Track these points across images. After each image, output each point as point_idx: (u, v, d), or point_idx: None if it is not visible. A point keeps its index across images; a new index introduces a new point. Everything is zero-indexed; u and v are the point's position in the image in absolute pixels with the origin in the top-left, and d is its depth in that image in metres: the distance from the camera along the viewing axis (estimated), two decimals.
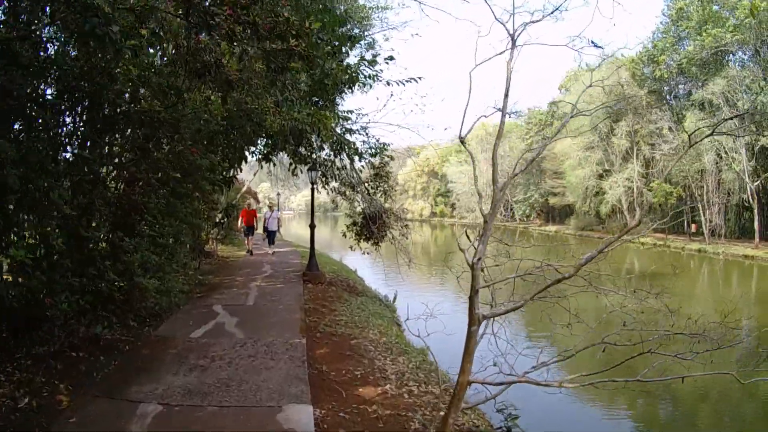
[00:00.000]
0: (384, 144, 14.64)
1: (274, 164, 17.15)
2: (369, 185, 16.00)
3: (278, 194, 44.73)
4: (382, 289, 19.73)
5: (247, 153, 15.17)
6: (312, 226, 16.44)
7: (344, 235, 16.79)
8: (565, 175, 58.74)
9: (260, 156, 15.92)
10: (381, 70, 12.47)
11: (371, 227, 15.25)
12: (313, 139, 12.95)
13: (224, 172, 14.74)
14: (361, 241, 16.23)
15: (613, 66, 54.20)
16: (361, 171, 15.69)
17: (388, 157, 15.30)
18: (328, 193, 16.41)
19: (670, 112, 47.20)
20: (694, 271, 35.01)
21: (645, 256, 42.55)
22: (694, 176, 44.85)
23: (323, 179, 15.34)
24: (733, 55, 46.09)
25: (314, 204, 16.76)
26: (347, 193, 16.40)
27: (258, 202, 51.33)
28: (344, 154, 14.30)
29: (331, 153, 14.49)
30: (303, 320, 10.70)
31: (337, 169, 15.04)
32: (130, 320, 9.17)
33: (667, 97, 52.61)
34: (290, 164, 15.23)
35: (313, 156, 14.32)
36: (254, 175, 31.05)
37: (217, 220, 18.26)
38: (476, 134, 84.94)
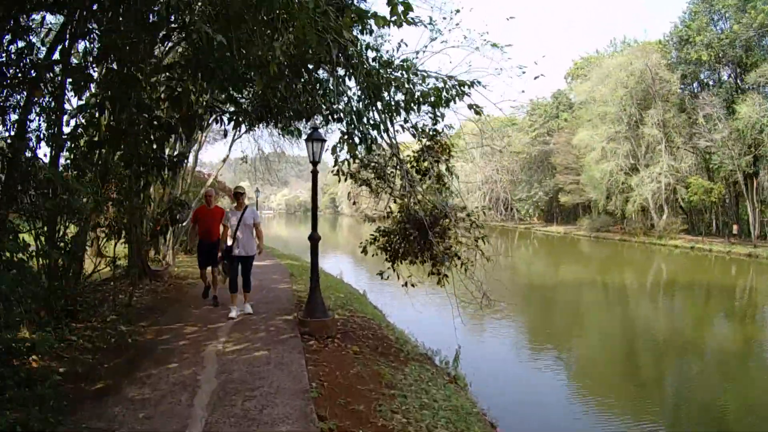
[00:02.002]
0: (469, 82, 7.55)
1: (251, 128, 10.36)
2: (413, 165, 9.18)
3: (257, 191, 37.68)
4: (412, 325, 13.39)
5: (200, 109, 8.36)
6: (314, 239, 9.57)
7: (364, 251, 9.89)
8: (586, 170, 52.52)
9: (228, 117, 9.07)
10: None
11: (426, 239, 8.49)
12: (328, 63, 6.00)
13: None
14: (399, 262, 9.47)
15: (633, 51, 49.06)
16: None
17: (475, 109, 7.72)
18: (342, 178, 9.46)
19: (718, 98, 41.17)
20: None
21: (687, 262, 36.73)
22: (745, 169, 39.04)
23: (348, 142, 7.20)
24: None
25: (315, 201, 9.94)
26: (373, 183, 9.58)
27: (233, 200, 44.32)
28: (382, 103, 7.27)
29: (360, 100, 7.30)
30: None
31: (371, 124, 7.56)
32: None
33: (694, 84, 47.29)
34: (281, 118, 8.04)
35: (331, 101, 7.02)
36: (223, 161, 24.05)
37: (158, 227, 11.45)
38: (471, 127, 78.71)
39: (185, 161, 14.25)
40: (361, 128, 6.89)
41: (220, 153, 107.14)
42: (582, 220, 61.34)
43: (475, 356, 12.18)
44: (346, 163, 7.40)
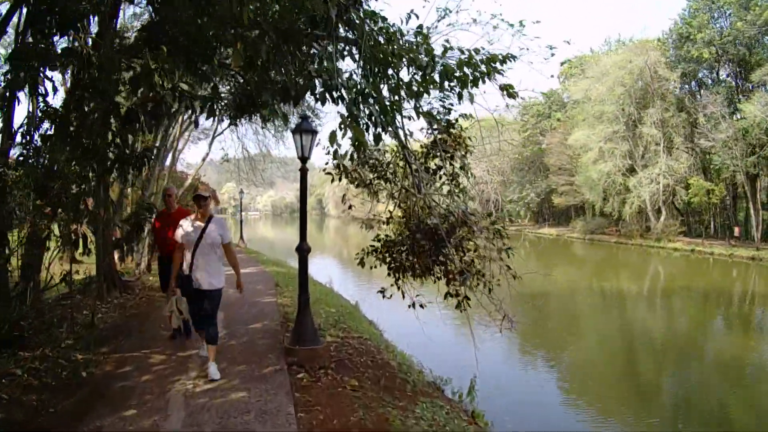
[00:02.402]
0: (501, 56, 5.98)
1: (233, 122, 8.93)
2: (422, 163, 7.68)
3: (241, 192, 35.99)
4: (411, 339, 11.78)
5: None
6: (303, 251, 8.09)
7: (361, 263, 8.36)
8: (582, 171, 51.21)
9: (200, 104, 7.53)
10: None
11: (440, 251, 7.05)
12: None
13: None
14: (406, 276, 7.94)
15: (632, 48, 47.99)
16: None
17: (508, 92, 6.05)
18: (336, 178, 8.02)
19: (720, 97, 40.16)
20: None
21: (691, 266, 35.62)
22: (749, 169, 38.01)
23: (353, 125, 5.11)
24: None
25: (304, 204, 8.50)
26: (374, 183, 8.14)
27: (218, 202, 42.26)
28: (388, 84, 5.69)
29: (364, 76, 5.57)
30: None
31: (380, 106, 5.91)
32: None
33: (692, 82, 46.43)
34: (263, 97, 6.30)
35: (328, 73, 5.31)
36: (203, 160, 22.52)
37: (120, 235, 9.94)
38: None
39: (155, 158, 12.72)
40: (368, 109, 5.18)
41: (211, 153, 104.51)
42: (575, 222, 60.21)
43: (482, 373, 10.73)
44: (348, 156, 5.51)
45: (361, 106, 5.11)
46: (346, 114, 4.92)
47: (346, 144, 5.06)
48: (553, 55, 7.23)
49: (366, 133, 5.12)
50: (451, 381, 9.45)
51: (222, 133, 21.75)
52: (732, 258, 36.83)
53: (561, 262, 40.24)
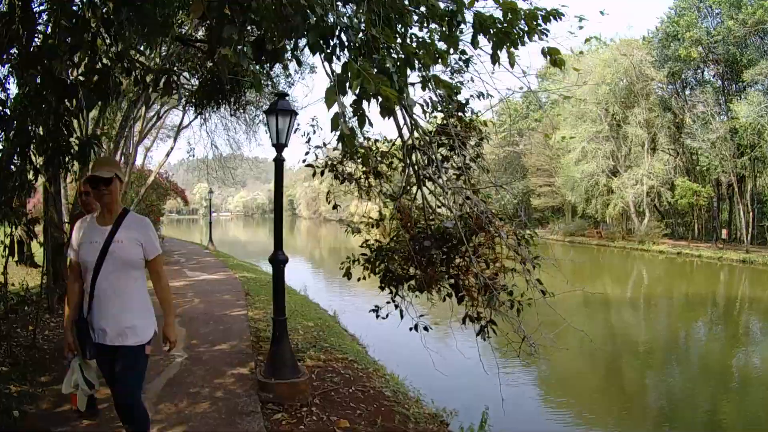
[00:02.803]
0: (543, 12, 4.56)
1: (200, 110, 7.58)
2: (425, 152, 6.19)
3: (210, 191, 34.16)
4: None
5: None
6: (279, 262, 6.64)
7: (347, 275, 6.75)
8: (564, 171, 50.33)
9: (153, 78, 6.03)
10: None
11: (452, 261, 5.64)
12: None
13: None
14: (401, 289, 6.42)
15: (618, 47, 47.31)
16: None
17: (552, 57, 4.56)
18: (320, 170, 6.58)
19: (709, 96, 39.58)
20: None
21: (684, 270, 34.77)
22: (740, 170, 37.45)
23: (365, 71, 3.02)
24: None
25: (279, 202, 7.13)
26: (367, 175, 6.71)
27: (186, 202, 40.39)
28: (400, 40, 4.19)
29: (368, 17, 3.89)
30: None
31: (395, 59, 3.78)
32: None
33: (677, 83, 46.14)
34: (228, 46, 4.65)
35: (323, 4, 3.62)
36: (167, 156, 20.96)
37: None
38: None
39: (100, 147, 11.16)
40: (384, 63, 3.46)
41: (182, 152, 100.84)
42: (554, 223, 59.33)
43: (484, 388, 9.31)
44: (355, 124, 3.49)
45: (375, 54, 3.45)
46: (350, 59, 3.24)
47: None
48: (581, 27, 5.91)
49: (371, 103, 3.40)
50: (458, 414, 8.01)
51: (189, 125, 20.24)
52: (721, 261, 35.98)
53: (544, 265, 38.94)
